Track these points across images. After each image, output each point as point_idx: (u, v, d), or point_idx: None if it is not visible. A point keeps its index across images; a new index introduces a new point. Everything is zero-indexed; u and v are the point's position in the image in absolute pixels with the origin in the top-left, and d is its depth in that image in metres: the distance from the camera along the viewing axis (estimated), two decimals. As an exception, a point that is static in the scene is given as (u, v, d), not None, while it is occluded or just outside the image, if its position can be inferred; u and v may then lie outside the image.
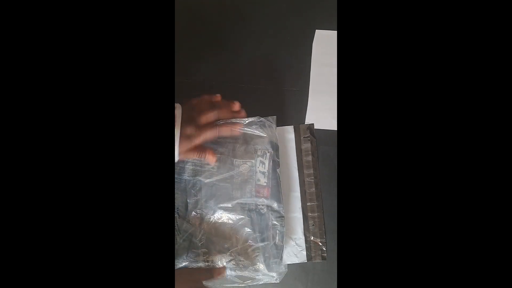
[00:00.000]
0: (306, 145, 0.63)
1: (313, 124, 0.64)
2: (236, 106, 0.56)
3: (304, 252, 0.61)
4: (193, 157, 0.55)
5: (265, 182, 0.58)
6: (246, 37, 0.67)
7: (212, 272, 0.56)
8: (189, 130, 0.53)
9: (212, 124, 0.54)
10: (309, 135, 0.64)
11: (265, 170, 0.58)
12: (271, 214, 0.58)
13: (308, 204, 0.63)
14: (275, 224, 0.58)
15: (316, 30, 0.66)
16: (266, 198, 0.58)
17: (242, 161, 0.59)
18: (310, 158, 0.63)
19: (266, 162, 0.59)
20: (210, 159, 0.55)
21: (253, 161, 0.58)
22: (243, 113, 0.56)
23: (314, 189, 0.63)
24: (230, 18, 0.68)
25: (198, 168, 0.59)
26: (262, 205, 0.58)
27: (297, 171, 0.63)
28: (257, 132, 0.60)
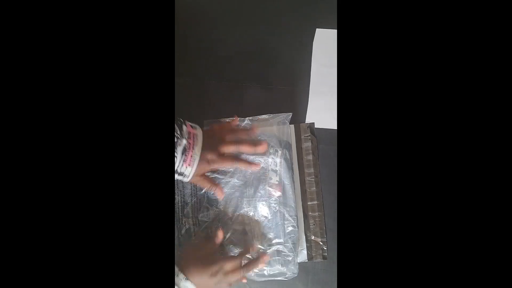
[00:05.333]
0: (307, 144, 0.63)
1: (313, 123, 0.64)
2: (264, 145, 0.57)
3: (305, 251, 0.61)
4: (204, 186, 0.57)
5: (277, 180, 0.58)
6: (246, 37, 0.67)
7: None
8: (210, 155, 0.54)
9: (232, 155, 0.56)
10: (310, 134, 0.64)
11: (277, 168, 0.59)
12: (285, 212, 0.58)
13: (308, 203, 0.63)
14: (288, 223, 0.58)
15: (317, 29, 0.66)
16: (279, 196, 0.58)
17: (255, 159, 0.59)
18: (310, 157, 0.63)
19: (278, 160, 0.59)
20: (219, 194, 0.57)
21: (266, 158, 0.59)
22: (264, 145, 0.56)
23: (314, 188, 0.63)
24: (230, 18, 0.68)
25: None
26: (275, 203, 0.58)
27: (297, 170, 0.63)
28: (269, 129, 0.60)
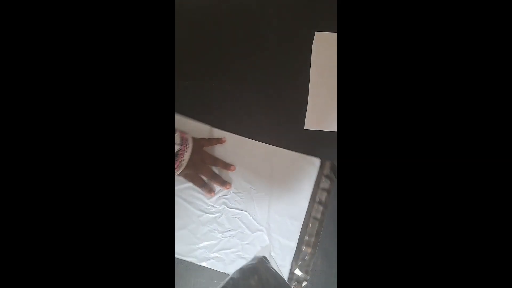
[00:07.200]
0: (325, 184, 0.62)
1: (335, 163, 0.64)
2: (232, 168, 0.63)
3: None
4: (193, 182, 0.61)
5: None
6: (246, 39, 0.67)
7: None
8: (196, 159, 0.59)
9: (211, 168, 0.62)
10: (331, 173, 0.63)
11: None
12: None
13: (305, 238, 0.61)
14: None
15: (316, 32, 0.66)
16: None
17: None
18: (324, 196, 0.62)
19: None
20: (208, 192, 0.62)
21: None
22: (233, 167, 0.63)
23: (317, 226, 0.61)
24: (229, 21, 0.68)
25: None
26: None
27: (307, 202, 0.62)
28: None
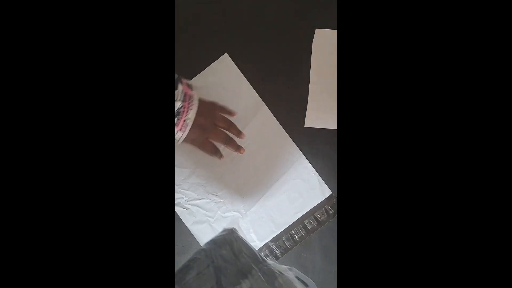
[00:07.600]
0: (321, 215, 0.62)
1: (336, 199, 0.63)
2: (242, 136, 0.60)
3: None
4: (203, 150, 0.58)
5: None
6: (245, 36, 0.66)
7: None
8: (204, 122, 0.54)
9: (224, 132, 0.58)
10: (331, 209, 0.62)
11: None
12: None
13: (272, 246, 0.61)
14: None
15: (316, 29, 0.65)
16: None
17: None
18: (312, 225, 0.62)
19: None
20: (219, 157, 0.59)
21: None
22: (243, 135, 0.61)
23: (288, 244, 0.61)
24: (229, 18, 0.67)
25: None
26: None
27: (294, 219, 0.62)
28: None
